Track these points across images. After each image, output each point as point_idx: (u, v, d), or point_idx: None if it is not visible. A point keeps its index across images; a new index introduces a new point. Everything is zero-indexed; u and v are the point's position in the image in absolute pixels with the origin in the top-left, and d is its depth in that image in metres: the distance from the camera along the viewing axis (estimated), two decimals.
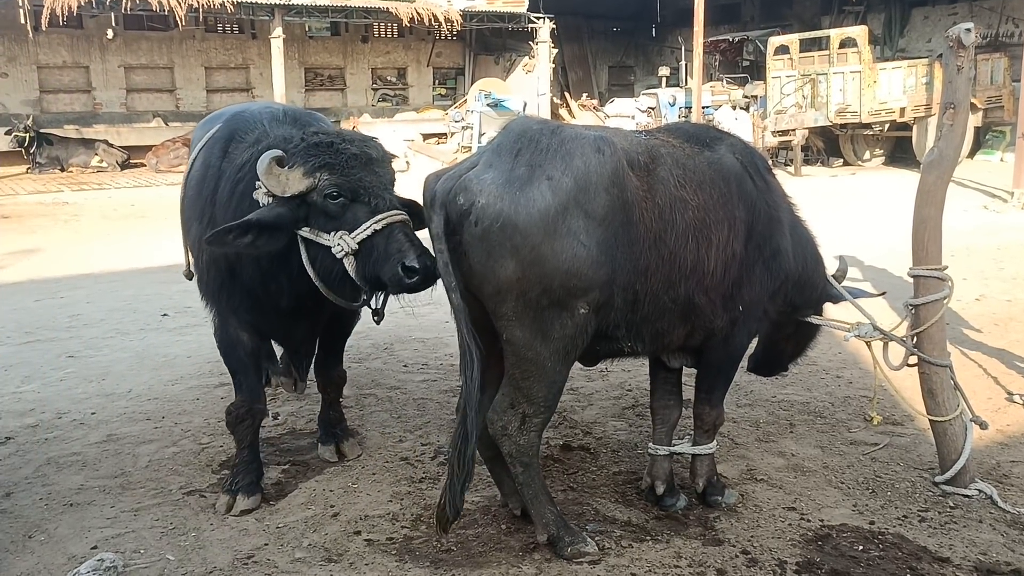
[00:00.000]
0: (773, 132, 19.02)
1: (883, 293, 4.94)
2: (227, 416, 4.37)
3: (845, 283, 4.56)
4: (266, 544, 3.90)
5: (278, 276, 4.00)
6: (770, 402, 5.66)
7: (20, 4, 17.99)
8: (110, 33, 22.50)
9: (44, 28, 18.63)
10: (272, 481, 4.54)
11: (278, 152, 3.76)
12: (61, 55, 22.48)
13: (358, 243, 3.70)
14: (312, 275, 3.86)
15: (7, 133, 20.02)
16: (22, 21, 18.36)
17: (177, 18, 19.47)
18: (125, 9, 19.15)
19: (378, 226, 3.70)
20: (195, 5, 19.48)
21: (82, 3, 18.44)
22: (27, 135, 19.98)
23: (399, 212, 3.79)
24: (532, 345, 3.46)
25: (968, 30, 4.13)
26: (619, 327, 3.65)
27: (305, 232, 3.80)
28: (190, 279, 4.79)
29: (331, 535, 3.97)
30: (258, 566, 3.71)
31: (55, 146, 20.63)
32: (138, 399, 5.89)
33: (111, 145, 21.15)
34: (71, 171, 20.28)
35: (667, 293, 3.64)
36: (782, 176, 17.46)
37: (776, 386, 5.95)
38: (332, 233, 3.74)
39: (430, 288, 3.72)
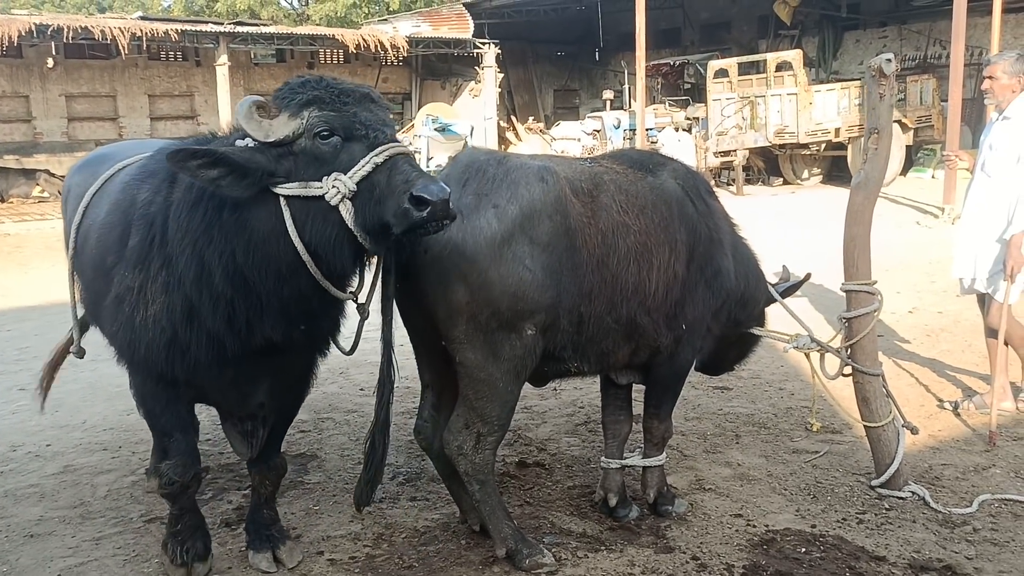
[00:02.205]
0: (715, 153, 19.55)
1: (808, 276, 5.08)
2: (167, 486, 3.73)
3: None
4: (230, 568, 3.96)
5: (259, 286, 3.31)
6: (716, 415, 5.88)
7: None
8: (50, 62, 22.26)
9: None
10: (233, 506, 4.61)
11: (258, 98, 3.27)
12: (0, 85, 22.13)
13: (356, 183, 3.13)
14: (300, 249, 3.21)
15: None
16: None
17: (120, 47, 19.36)
18: (67, 38, 19.00)
19: (379, 159, 3.15)
20: (138, 34, 19.40)
21: (22, 32, 18.23)
22: None
23: (403, 144, 3.25)
24: (484, 366, 3.61)
25: (889, 60, 4.40)
26: (565, 348, 3.82)
27: (290, 188, 3.19)
28: (81, 357, 4.15)
29: None
30: None
31: None
32: (93, 430, 5.89)
33: (52, 175, 20.83)
34: (11, 202, 19.96)
35: (610, 314, 3.82)
36: (724, 195, 17.88)
37: (722, 399, 6.18)
38: (324, 178, 3.16)
39: (445, 226, 3.20)
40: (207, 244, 3.30)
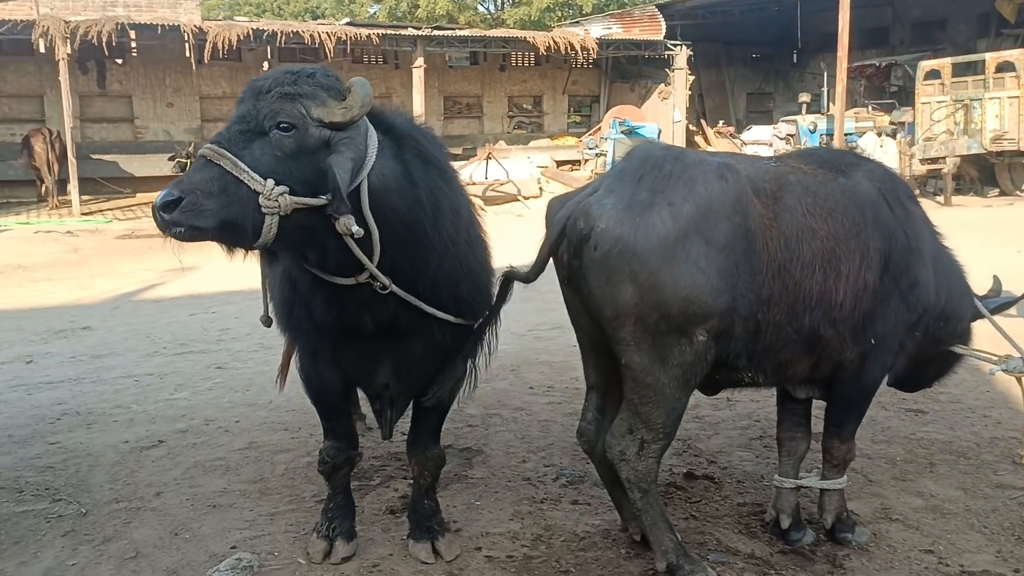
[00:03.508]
0: (922, 160, 18.26)
1: None
2: (322, 465, 4.00)
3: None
4: (391, 554, 4.02)
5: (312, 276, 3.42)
6: (908, 439, 5.42)
7: (186, 39, 19.40)
8: (266, 65, 23.90)
9: (207, 61, 20.02)
10: (399, 494, 4.69)
11: None
12: (221, 86, 24.03)
13: None
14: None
15: (170, 159, 21.57)
16: (187, 55, 19.78)
17: (327, 51, 20.52)
18: (280, 43, 20.37)
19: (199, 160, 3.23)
20: (343, 38, 20.49)
21: (241, 37, 19.70)
22: (188, 161, 21.42)
23: (211, 148, 3.16)
24: (651, 370, 3.45)
25: None
26: (740, 356, 3.59)
27: None
28: (268, 325, 4.29)
29: None
30: (382, 574, 3.84)
31: None
32: (277, 410, 6.20)
33: None
34: None
35: (791, 324, 3.56)
36: (930, 206, 16.70)
37: (916, 423, 5.69)
38: None
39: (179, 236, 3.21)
40: None
